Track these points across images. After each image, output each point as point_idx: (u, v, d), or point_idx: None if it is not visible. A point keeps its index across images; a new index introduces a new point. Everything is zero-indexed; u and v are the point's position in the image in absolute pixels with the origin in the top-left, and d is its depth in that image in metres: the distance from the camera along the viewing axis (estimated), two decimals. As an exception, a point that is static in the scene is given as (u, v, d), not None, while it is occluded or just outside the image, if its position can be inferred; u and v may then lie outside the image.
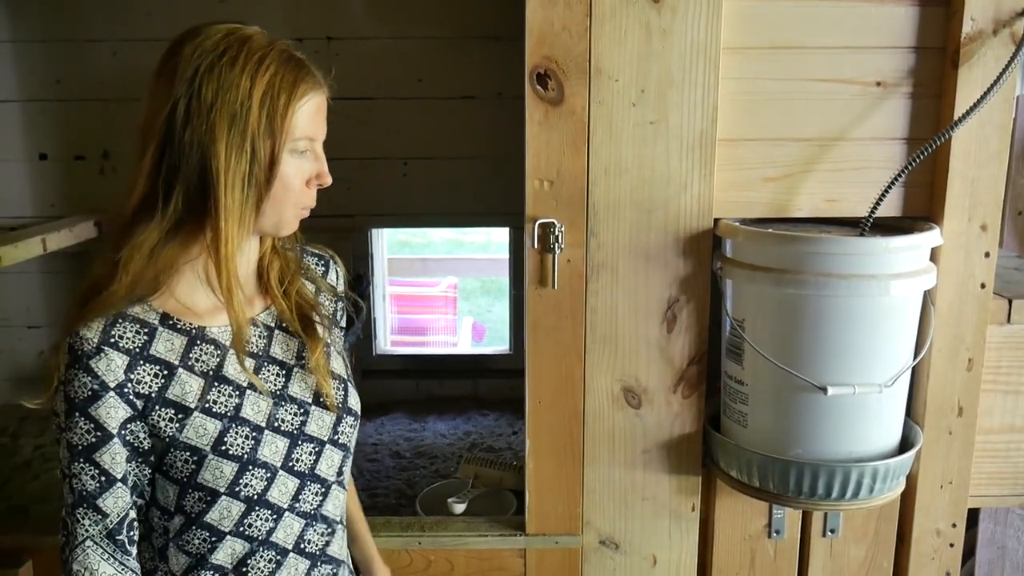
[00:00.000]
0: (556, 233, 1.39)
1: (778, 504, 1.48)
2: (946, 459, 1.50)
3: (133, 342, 0.99)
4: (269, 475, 1.05)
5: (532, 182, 1.39)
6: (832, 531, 1.53)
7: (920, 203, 1.44)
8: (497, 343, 5.59)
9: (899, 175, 1.35)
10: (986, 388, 1.49)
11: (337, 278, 1.25)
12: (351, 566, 1.20)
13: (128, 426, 0.99)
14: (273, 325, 1.11)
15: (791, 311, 1.33)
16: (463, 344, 5.05)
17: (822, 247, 1.30)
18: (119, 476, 1.00)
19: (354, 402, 1.17)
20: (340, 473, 1.13)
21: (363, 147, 2.31)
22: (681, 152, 1.39)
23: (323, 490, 1.11)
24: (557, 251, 1.40)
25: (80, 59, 2.28)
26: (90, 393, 0.97)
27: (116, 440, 0.99)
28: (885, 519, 1.54)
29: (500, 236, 7.83)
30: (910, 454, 1.40)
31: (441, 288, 5.06)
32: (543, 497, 1.51)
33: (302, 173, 1.04)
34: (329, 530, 1.12)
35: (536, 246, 1.40)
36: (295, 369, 1.10)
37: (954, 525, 1.53)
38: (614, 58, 1.35)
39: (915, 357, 1.40)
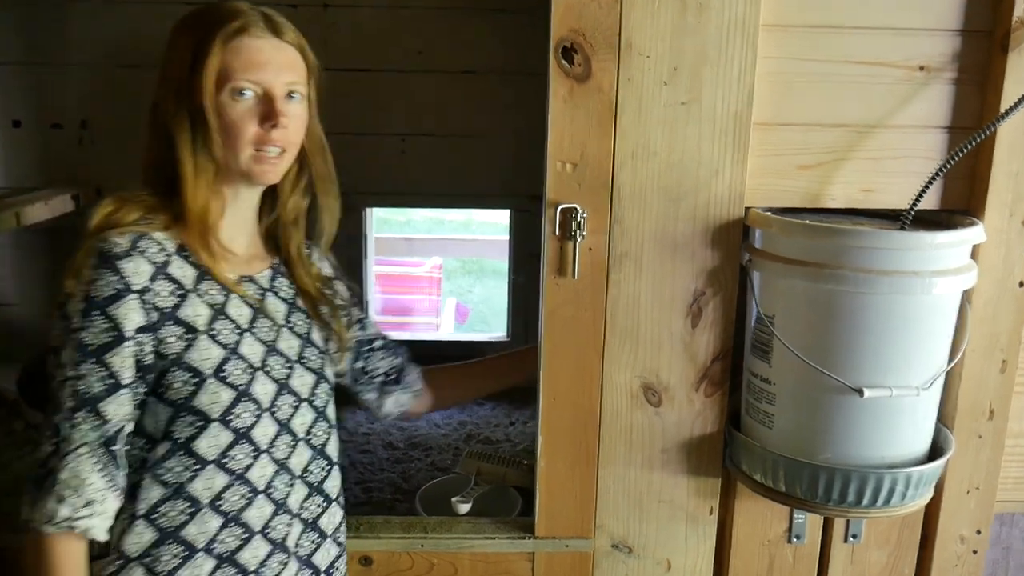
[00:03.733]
0: (578, 219, 1.30)
1: (804, 510, 1.40)
2: (975, 463, 1.44)
3: (156, 258, 1.07)
4: (258, 412, 1.12)
5: (554, 164, 1.29)
6: (854, 536, 1.47)
7: (959, 196, 1.37)
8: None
9: (942, 168, 1.27)
10: (1016, 390, 1.43)
11: (321, 260, 1.35)
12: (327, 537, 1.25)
13: (140, 335, 1.04)
14: (268, 287, 1.20)
15: (826, 307, 1.25)
16: (446, 325, 4.96)
17: (864, 241, 1.22)
18: (125, 383, 1.04)
19: (329, 373, 1.26)
20: (310, 433, 1.20)
21: (358, 122, 2.19)
22: (714, 135, 1.30)
23: (292, 443, 1.17)
24: (579, 238, 1.31)
25: (58, 20, 2.14)
26: (114, 292, 1.03)
27: (129, 344, 1.03)
28: (908, 525, 1.48)
29: (482, 216, 7.74)
30: (944, 459, 1.33)
31: (426, 268, 4.95)
32: (554, 498, 1.43)
33: (249, 116, 1.08)
34: (290, 482, 1.16)
35: (556, 232, 1.31)
36: (283, 329, 1.19)
37: (979, 531, 1.48)
38: (646, 32, 1.26)
39: (951, 358, 1.33)
